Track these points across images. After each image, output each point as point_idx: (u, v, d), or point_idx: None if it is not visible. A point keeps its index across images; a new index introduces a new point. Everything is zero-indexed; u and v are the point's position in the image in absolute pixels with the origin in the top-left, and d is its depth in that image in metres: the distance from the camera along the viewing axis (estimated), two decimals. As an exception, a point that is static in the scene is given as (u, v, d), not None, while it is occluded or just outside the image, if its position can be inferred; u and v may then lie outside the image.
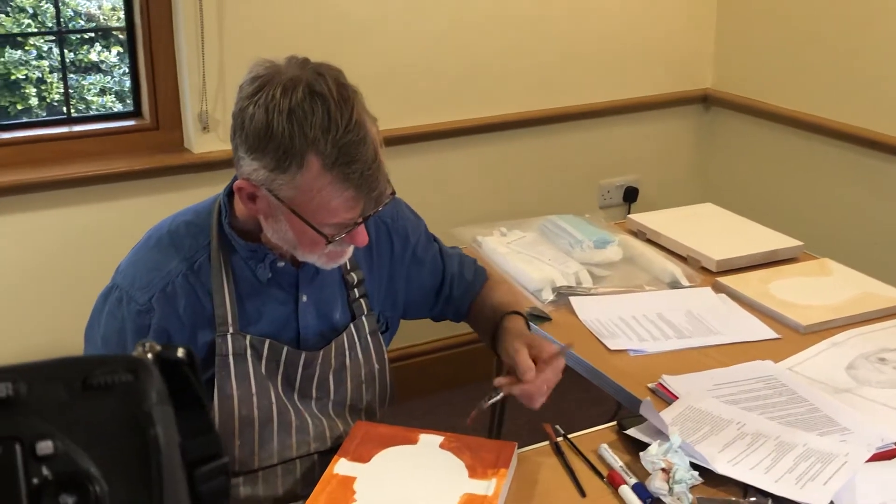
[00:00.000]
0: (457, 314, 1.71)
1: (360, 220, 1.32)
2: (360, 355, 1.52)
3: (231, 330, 1.40)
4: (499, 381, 1.43)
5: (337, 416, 1.51)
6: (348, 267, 1.50)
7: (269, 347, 1.43)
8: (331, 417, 1.51)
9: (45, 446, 0.40)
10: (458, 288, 1.68)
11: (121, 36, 2.63)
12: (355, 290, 1.52)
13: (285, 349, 1.44)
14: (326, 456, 1.45)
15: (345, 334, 1.50)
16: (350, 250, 1.40)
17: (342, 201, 1.28)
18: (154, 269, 1.39)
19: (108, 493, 0.41)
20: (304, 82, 1.25)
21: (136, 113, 2.62)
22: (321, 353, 1.47)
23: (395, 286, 1.59)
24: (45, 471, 0.41)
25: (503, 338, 1.51)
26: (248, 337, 1.41)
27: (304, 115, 1.24)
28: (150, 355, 0.44)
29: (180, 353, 0.45)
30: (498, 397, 1.43)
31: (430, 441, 1.46)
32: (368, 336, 1.53)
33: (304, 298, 1.46)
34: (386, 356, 1.55)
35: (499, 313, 1.59)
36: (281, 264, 1.42)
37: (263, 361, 1.43)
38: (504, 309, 1.60)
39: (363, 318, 1.52)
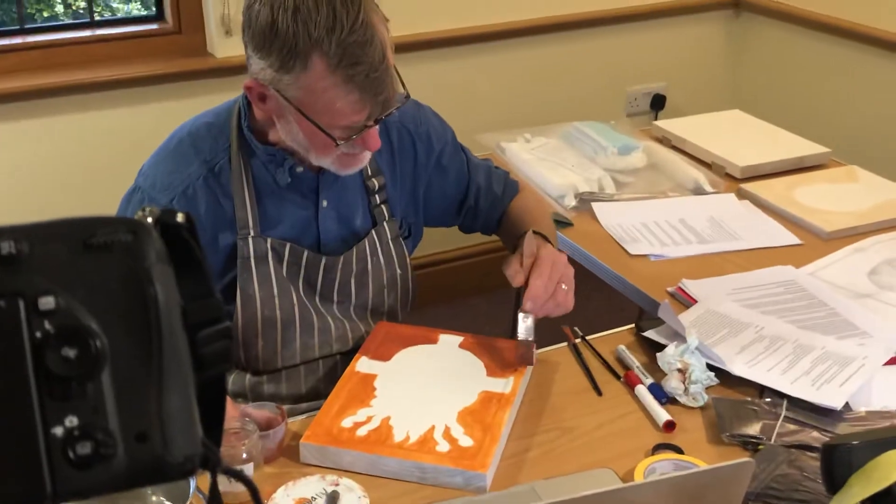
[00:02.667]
0: (486, 227, 1.69)
1: (370, 123, 1.31)
2: (382, 260, 1.52)
3: (252, 233, 1.41)
4: (522, 309, 1.40)
5: (359, 319, 1.53)
6: (369, 173, 1.49)
7: (290, 251, 1.44)
8: (353, 320, 1.52)
9: (46, 301, 0.42)
10: (486, 200, 1.65)
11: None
12: (376, 196, 1.51)
13: (306, 253, 1.45)
14: (348, 357, 1.47)
15: (366, 240, 1.50)
16: (366, 156, 1.38)
17: (347, 103, 1.27)
18: (175, 171, 1.40)
19: (109, 348, 0.42)
20: None
21: (159, 17, 2.60)
22: (342, 258, 1.48)
23: (417, 192, 1.57)
24: (47, 325, 0.42)
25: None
26: (269, 240, 1.42)
27: (309, 13, 1.22)
28: (149, 219, 0.45)
29: (180, 217, 0.46)
30: (529, 321, 1.40)
31: (449, 341, 1.48)
32: (390, 242, 1.52)
33: (325, 204, 1.46)
34: (408, 261, 1.55)
35: (520, 231, 1.56)
36: (300, 169, 1.42)
37: (285, 265, 1.44)
38: (525, 227, 1.56)
39: (384, 224, 1.52)
